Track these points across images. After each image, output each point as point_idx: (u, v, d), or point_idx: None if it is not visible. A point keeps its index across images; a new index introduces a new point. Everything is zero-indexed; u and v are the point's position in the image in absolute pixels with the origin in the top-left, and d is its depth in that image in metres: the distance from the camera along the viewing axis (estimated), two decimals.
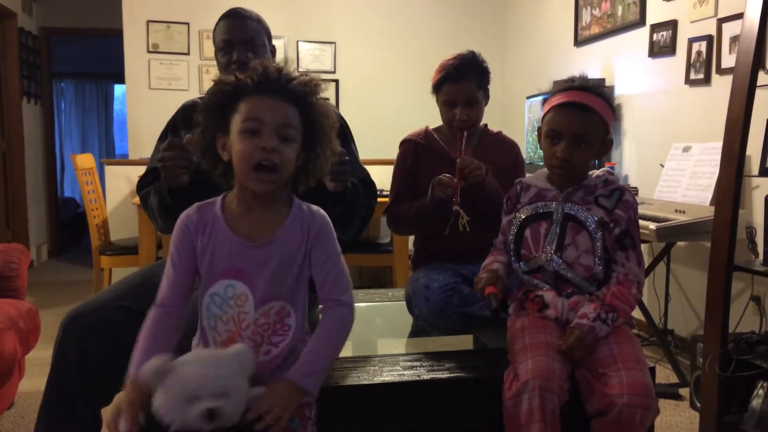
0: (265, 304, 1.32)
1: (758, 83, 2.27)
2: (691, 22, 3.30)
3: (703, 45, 3.21)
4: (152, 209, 1.93)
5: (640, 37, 3.74)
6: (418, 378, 1.64)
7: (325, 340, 1.34)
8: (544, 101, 1.73)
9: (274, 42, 2.09)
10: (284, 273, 1.32)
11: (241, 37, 1.95)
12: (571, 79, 1.71)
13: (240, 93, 1.30)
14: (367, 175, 2.02)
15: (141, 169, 2.24)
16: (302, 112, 1.32)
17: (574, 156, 1.62)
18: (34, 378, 2.82)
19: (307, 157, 1.35)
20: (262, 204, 1.34)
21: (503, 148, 2.23)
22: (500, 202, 1.85)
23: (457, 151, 2.05)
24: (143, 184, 1.99)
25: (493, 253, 1.81)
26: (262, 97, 1.29)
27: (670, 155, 3.34)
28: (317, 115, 1.34)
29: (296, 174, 1.36)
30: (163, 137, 2.03)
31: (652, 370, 1.71)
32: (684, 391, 2.81)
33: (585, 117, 1.62)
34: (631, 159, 3.85)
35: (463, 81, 2.06)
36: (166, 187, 1.77)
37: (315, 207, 1.39)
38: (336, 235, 1.39)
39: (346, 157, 1.68)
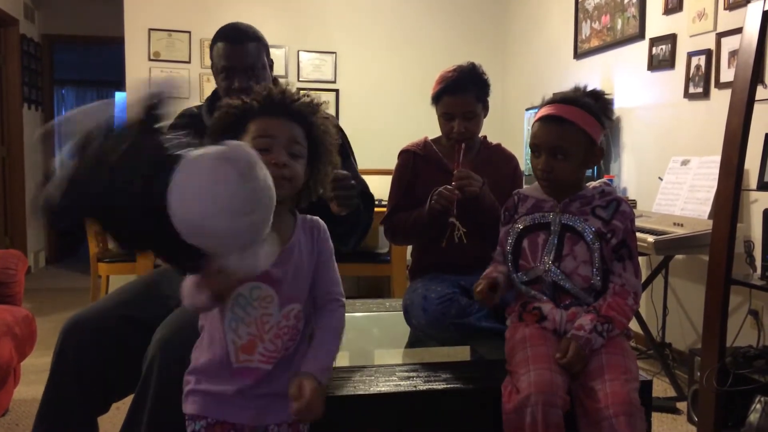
0: (288, 305, 1.34)
1: (757, 97, 2.29)
2: (691, 36, 3.32)
3: (702, 59, 3.23)
4: None
5: (639, 50, 3.76)
6: (414, 389, 1.64)
7: (335, 337, 1.40)
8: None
9: (276, 51, 2.09)
10: (300, 277, 1.37)
11: (242, 63, 1.91)
12: (564, 92, 1.74)
13: (247, 115, 1.37)
14: (366, 187, 2.01)
15: None
16: (306, 131, 1.39)
17: (554, 168, 1.64)
18: (30, 385, 2.82)
19: (310, 173, 1.41)
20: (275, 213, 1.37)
21: (502, 160, 2.23)
22: (497, 215, 1.84)
23: (454, 163, 2.06)
24: None
25: (493, 265, 1.82)
26: (269, 118, 1.36)
27: (668, 168, 3.35)
28: (320, 132, 1.41)
29: (301, 189, 1.41)
30: None
31: (649, 383, 1.71)
32: (681, 405, 2.80)
33: (560, 129, 1.63)
34: (630, 172, 3.86)
35: (461, 94, 2.07)
36: None
37: (310, 216, 1.44)
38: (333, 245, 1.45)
39: (353, 182, 1.69)
